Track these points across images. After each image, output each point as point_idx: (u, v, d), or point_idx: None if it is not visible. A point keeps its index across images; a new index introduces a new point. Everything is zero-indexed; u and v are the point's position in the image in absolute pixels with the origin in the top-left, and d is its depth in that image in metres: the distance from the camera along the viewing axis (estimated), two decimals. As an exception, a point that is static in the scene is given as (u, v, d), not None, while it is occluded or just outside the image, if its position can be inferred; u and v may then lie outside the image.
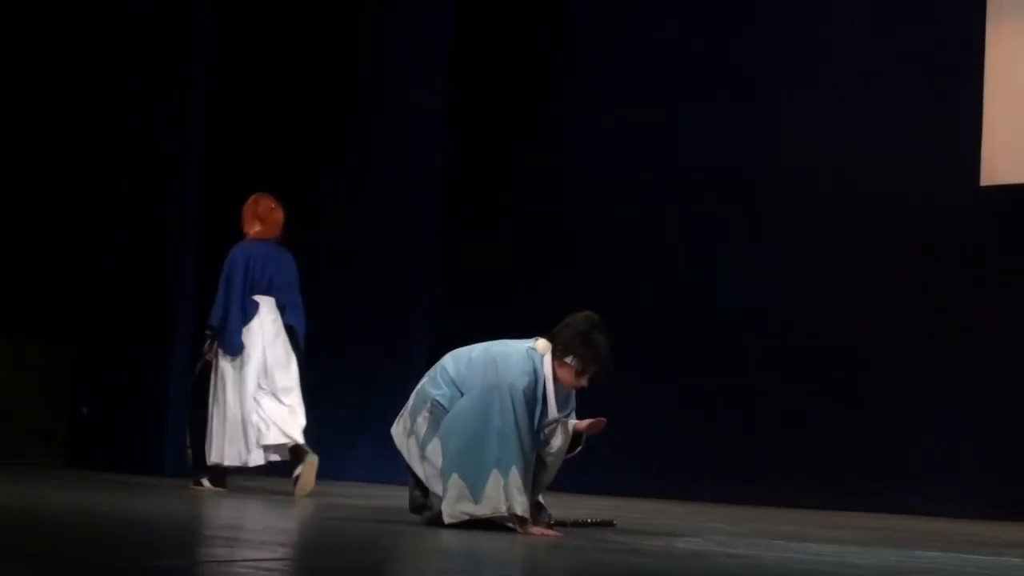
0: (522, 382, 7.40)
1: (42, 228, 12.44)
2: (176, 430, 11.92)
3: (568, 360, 7.49)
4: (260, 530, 7.31)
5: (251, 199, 10.13)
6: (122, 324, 11.98)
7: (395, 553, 6.44)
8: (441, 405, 7.53)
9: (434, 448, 7.51)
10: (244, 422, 9.70)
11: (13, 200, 12.56)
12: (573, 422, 7.63)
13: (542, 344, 7.55)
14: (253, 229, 10.06)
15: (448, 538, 6.95)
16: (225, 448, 9.75)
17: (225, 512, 8.46)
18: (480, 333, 8.01)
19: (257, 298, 9.89)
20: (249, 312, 9.81)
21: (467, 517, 7.29)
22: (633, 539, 7.43)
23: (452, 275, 13.34)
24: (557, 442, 7.60)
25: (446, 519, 7.34)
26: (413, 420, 7.63)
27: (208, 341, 9.88)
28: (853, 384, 12.21)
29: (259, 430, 9.70)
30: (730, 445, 12.41)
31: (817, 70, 12.56)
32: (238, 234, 10.23)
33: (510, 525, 7.27)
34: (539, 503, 7.64)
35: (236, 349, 9.73)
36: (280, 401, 9.77)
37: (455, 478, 7.32)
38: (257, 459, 9.80)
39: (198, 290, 12.14)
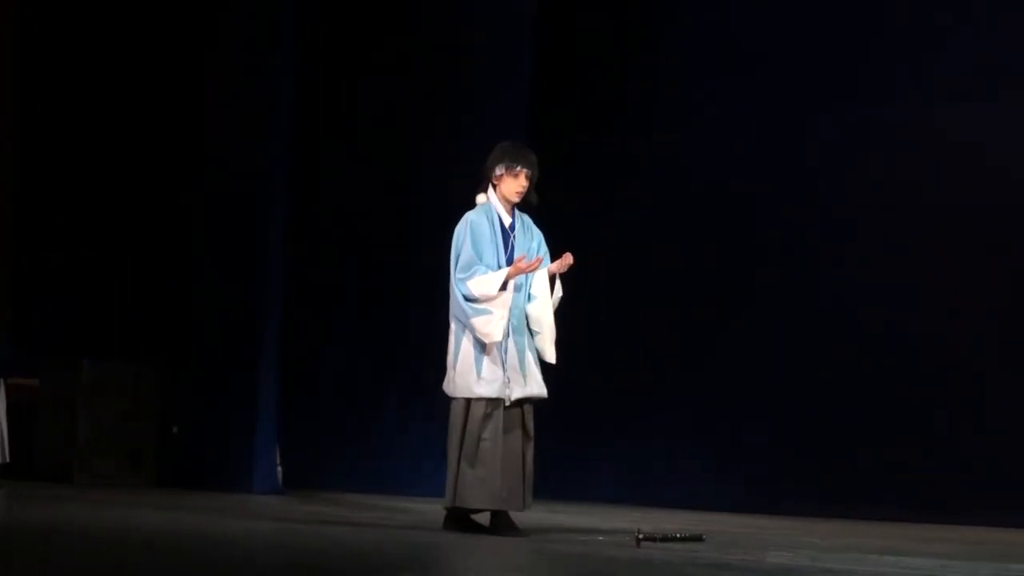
0: (468, 223, 8.06)
1: (132, 251, 12.51)
2: (265, 449, 11.95)
3: (498, 171, 8.08)
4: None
5: None
6: (211, 345, 12.01)
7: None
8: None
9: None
10: None
11: (104, 222, 12.63)
12: (549, 266, 8.08)
13: (481, 196, 8.17)
14: None
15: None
16: None
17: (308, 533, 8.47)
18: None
19: None
20: None
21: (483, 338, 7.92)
22: (722, 554, 7.35)
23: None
24: (539, 291, 8.04)
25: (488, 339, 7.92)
26: None
27: None
28: (947, 397, 12.03)
29: None
30: (825, 459, 12.24)
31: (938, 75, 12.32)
32: (325, 257, 11.86)
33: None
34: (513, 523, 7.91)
35: None
36: None
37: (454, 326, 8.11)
38: None
39: (286, 312, 12.18)
